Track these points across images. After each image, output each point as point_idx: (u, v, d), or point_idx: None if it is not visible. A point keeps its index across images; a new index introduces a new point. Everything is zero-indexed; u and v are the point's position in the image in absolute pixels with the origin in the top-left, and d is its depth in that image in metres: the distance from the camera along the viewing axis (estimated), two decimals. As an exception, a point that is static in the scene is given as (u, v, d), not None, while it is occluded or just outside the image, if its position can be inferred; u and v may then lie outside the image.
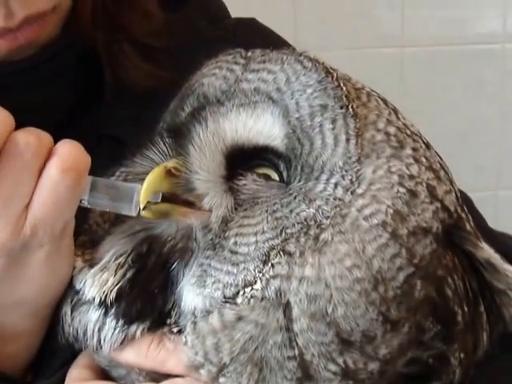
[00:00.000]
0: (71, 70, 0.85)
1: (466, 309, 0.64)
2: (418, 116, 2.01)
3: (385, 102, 0.67)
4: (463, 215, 0.66)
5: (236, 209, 0.64)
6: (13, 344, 0.70)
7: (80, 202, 0.65)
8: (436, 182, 0.63)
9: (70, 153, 0.63)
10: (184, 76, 0.71)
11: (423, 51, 2.01)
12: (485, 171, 2.13)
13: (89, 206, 0.66)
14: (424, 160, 0.64)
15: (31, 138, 0.62)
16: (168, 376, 0.64)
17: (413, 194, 0.61)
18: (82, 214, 0.70)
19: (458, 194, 0.67)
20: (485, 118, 2.10)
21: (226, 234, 0.63)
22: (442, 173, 0.65)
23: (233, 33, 0.97)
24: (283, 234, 0.60)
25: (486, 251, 0.65)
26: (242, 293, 0.59)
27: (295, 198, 0.62)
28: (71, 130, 0.80)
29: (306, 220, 0.60)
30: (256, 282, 0.59)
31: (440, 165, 0.66)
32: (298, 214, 0.61)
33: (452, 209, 0.64)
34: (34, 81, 0.81)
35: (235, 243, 0.62)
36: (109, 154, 0.79)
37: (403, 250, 0.59)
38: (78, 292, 0.66)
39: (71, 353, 0.69)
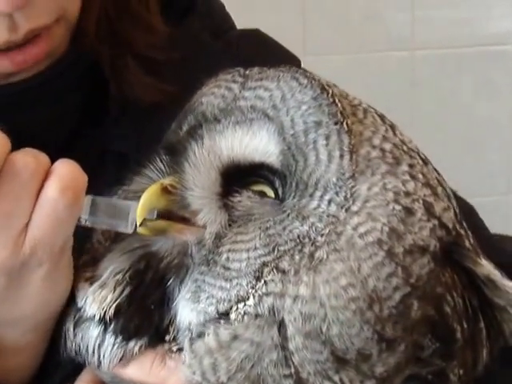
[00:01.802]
0: (77, 86, 0.85)
1: (465, 325, 0.64)
2: (429, 119, 2.02)
3: (382, 118, 0.67)
4: (462, 232, 0.66)
5: (230, 225, 0.64)
6: (15, 358, 0.71)
7: (79, 220, 0.66)
8: (433, 199, 0.63)
9: (67, 172, 0.64)
10: (187, 90, 0.71)
11: (433, 54, 2.01)
12: (495, 175, 2.12)
13: (88, 225, 0.67)
14: (421, 176, 0.63)
15: (29, 159, 0.63)
16: None
17: (409, 211, 0.61)
18: (85, 234, 0.71)
19: (457, 211, 0.67)
20: (496, 121, 2.09)
21: (220, 250, 0.63)
22: (439, 189, 0.65)
23: (236, 46, 0.96)
24: (276, 250, 0.61)
25: (486, 268, 0.65)
26: (235, 308, 0.60)
27: (288, 215, 0.62)
28: (76, 146, 0.81)
29: (299, 237, 0.61)
30: (249, 297, 0.60)
31: (438, 181, 0.65)
32: (291, 231, 0.61)
33: (450, 226, 0.64)
34: (41, 98, 0.81)
35: (227, 259, 0.62)
36: (113, 169, 0.80)
37: (399, 269, 0.59)
38: (79, 309, 0.67)
39: (72, 367, 0.70)
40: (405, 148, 0.65)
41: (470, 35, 2.03)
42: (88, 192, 0.66)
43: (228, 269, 0.62)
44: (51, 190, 0.63)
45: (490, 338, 0.67)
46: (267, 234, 0.62)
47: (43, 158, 0.64)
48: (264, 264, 0.60)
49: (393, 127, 0.67)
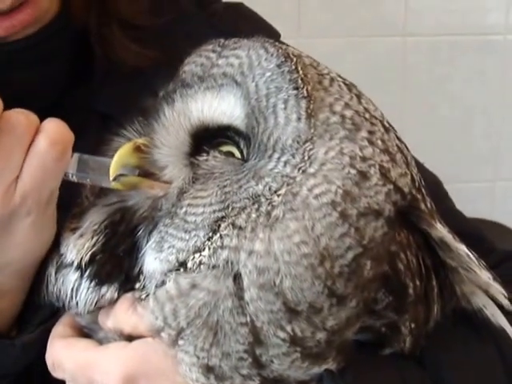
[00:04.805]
0: (65, 50, 0.88)
1: (417, 282, 0.66)
2: (419, 105, 2.04)
3: (349, 87, 0.67)
4: (419, 196, 0.66)
5: (194, 182, 0.66)
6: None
7: (66, 176, 0.69)
8: (391, 165, 0.64)
9: (56, 129, 0.67)
10: (169, 55, 0.72)
11: (425, 41, 2.00)
12: (483, 162, 2.10)
13: (75, 180, 0.70)
14: (380, 143, 0.64)
15: (21, 116, 0.66)
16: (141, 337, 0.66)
17: (364, 175, 0.61)
18: (77, 190, 0.74)
19: (416, 177, 0.67)
20: (485, 109, 2.07)
21: (181, 204, 0.65)
22: (398, 156, 0.65)
23: (220, 17, 0.98)
24: (230, 207, 0.62)
25: (440, 230, 0.66)
26: (191, 258, 0.62)
27: (246, 174, 0.64)
28: (63, 107, 0.81)
29: (253, 196, 0.62)
30: (204, 248, 0.62)
31: (398, 148, 0.66)
32: (246, 189, 0.63)
33: (406, 190, 0.64)
34: (31, 60, 0.83)
35: (186, 212, 0.64)
36: (97, 129, 0.82)
37: (352, 230, 0.60)
38: (61, 255, 0.70)
39: (51, 311, 0.73)
40: (367, 115, 0.65)
41: (461, 24, 2.02)
42: (72, 148, 0.68)
43: (186, 221, 0.64)
44: (41, 143, 0.66)
45: (443, 297, 0.69)
46: (223, 191, 0.64)
47: (33, 116, 0.67)
48: (219, 219, 0.62)
49: (359, 96, 0.67)
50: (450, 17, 2.01)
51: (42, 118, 0.69)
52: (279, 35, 0.98)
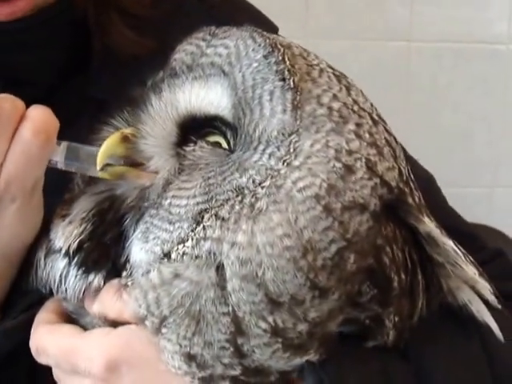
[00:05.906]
0: (63, 35, 0.87)
1: (403, 276, 0.64)
2: (423, 109, 2.04)
3: (339, 78, 0.65)
4: (406, 190, 0.65)
5: (179, 173, 0.65)
6: None
7: (52, 163, 0.69)
8: (378, 158, 0.62)
9: (40, 117, 0.66)
10: (166, 45, 0.71)
11: (430, 47, 1.99)
12: (482, 168, 2.09)
13: (62, 168, 0.69)
14: (367, 136, 0.62)
15: (5, 104, 0.65)
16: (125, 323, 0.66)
17: (349, 169, 0.60)
18: (69, 177, 0.74)
19: (405, 171, 0.65)
20: (487, 117, 2.06)
21: (166, 195, 0.64)
22: (386, 149, 0.63)
23: (218, 9, 0.97)
24: (213, 199, 0.61)
25: (428, 225, 0.65)
26: (175, 249, 0.61)
27: (230, 166, 0.62)
28: (60, 92, 0.81)
29: (237, 188, 0.61)
30: (188, 239, 0.61)
31: (386, 141, 0.64)
32: (229, 181, 0.61)
33: (393, 184, 0.63)
34: (29, 43, 0.82)
35: (170, 204, 0.63)
36: (93, 116, 0.82)
37: (336, 224, 0.59)
38: (50, 240, 0.70)
39: (38, 296, 0.72)
40: (355, 108, 0.63)
41: (466, 32, 2.01)
42: (67, 134, 0.68)
43: (171, 213, 0.63)
44: (26, 132, 0.65)
45: (429, 293, 0.67)
46: (207, 183, 0.62)
47: (19, 102, 0.66)
48: (203, 211, 0.61)
49: (348, 88, 0.65)
50: (454, 24, 2.00)
51: (38, 102, 0.68)
52: (277, 29, 0.97)
